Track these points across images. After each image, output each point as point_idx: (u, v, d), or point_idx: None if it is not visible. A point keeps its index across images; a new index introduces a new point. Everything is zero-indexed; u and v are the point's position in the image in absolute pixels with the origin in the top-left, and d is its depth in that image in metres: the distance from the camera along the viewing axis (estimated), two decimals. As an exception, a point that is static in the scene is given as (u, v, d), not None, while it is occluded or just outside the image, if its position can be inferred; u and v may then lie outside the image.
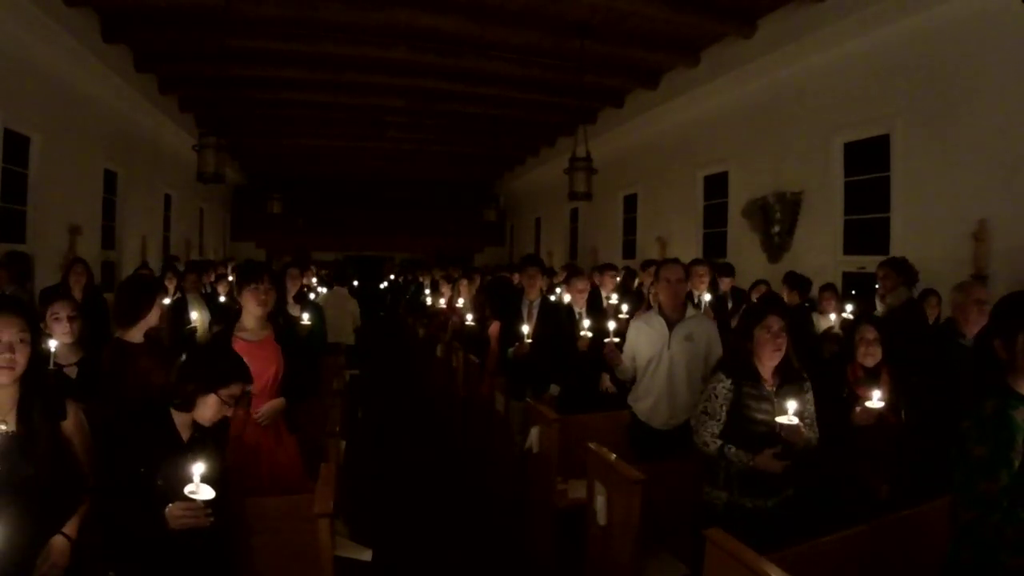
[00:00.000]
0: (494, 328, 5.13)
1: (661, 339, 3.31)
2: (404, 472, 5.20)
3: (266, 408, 2.78)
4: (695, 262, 5.29)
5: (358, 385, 6.05)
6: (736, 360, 2.57)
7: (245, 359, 2.57)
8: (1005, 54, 4.33)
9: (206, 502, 1.81)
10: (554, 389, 4.17)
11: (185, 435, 2.03)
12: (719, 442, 2.48)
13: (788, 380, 2.51)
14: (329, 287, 7.76)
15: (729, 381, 2.52)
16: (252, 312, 2.83)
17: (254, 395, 2.62)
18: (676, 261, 3.54)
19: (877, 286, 4.30)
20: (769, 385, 2.50)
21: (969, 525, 1.69)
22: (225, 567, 2.10)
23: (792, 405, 2.35)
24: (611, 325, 3.58)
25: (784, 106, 6.60)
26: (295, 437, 2.93)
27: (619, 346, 3.52)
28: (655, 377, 3.33)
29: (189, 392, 2.00)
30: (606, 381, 4.24)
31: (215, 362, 2.15)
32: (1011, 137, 4.30)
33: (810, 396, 2.58)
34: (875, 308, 4.31)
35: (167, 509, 1.84)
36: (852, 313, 4.42)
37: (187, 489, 1.80)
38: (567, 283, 5.08)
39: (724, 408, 2.52)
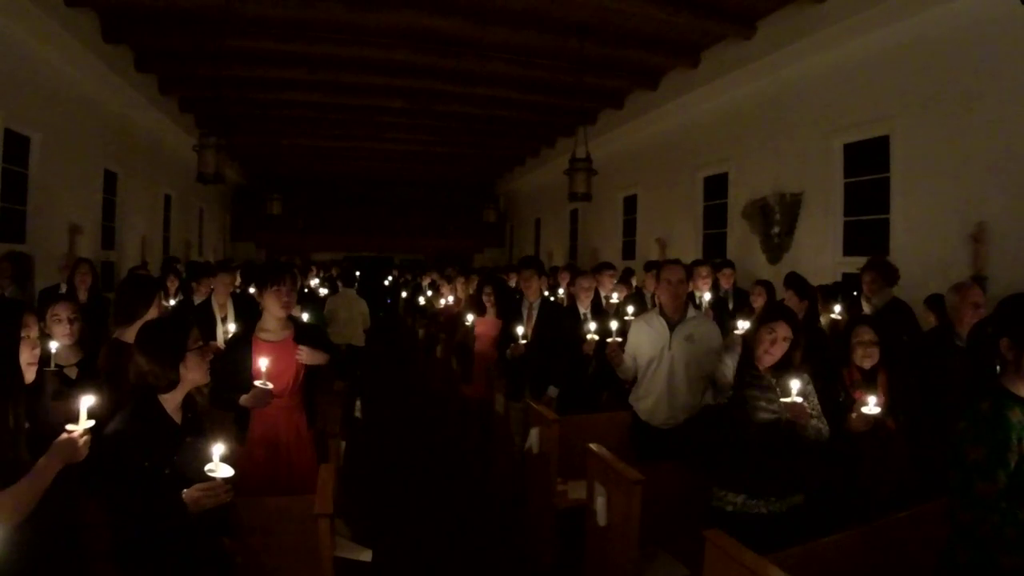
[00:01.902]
0: (481, 326, 5.12)
1: (662, 339, 3.32)
2: (404, 472, 5.20)
3: (309, 351, 2.81)
4: (697, 263, 5.27)
5: (358, 385, 6.05)
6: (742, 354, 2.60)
7: (268, 359, 2.59)
8: (1005, 55, 4.33)
9: (226, 479, 1.83)
10: (552, 391, 4.14)
11: (178, 419, 2.03)
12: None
13: (787, 373, 2.52)
14: (334, 289, 7.76)
15: (733, 364, 2.56)
16: (274, 314, 2.85)
17: (276, 395, 2.65)
18: (677, 262, 3.54)
19: (863, 288, 4.30)
20: (767, 374, 2.52)
21: (967, 526, 1.68)
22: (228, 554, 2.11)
23: (795, 384, 2.37)
24: (613, 324, 3.59)
25: (784, 107, 6.60)
26: (312, 433, 2.95)
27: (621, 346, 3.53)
28: (655, 377, 3.34)
29: (166, 371, 1.98)
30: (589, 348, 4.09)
31: (164, 330, 2.11)
32: (1011, 138, 4.30)
33: (812, 389, 2.59)
34: (861, 309, 4.31)
35: (185, 494, 1.84)
36: (840, 314, 4.40)
37: (207, 468, 1.83)
38: (572, 284, 5.07)
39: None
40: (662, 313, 3.37)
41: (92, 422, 1.76)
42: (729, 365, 2.62)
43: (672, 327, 3.31)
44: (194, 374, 2.03)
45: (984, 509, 1.62)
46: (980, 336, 2.07)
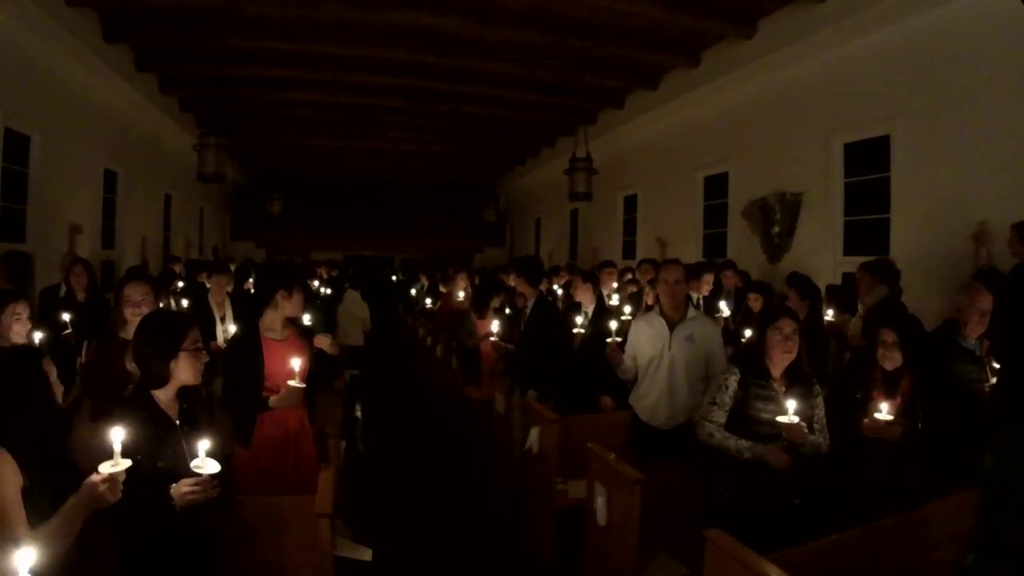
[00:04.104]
0: (485, 327, 5.11)
1: (662, 339, 3.31)
2: (404, 472, 5.20)
3: (331, 340, 2.85)
4: (700, 268, 5.22)
5: (358, 385, 6.04)
6: (748, 357, 2.58)
7: (277, 357, 2.61)
8: (1005, 54, 4.32)
9: (212, 475, 1.83)
10: (531, 394, 4.09)
11: (173, 413, 2.01)
12: (725, 433, 2.52)
13: (797, 383, 2.51)
14: (335, 290, 7.74)
15: (739, 375, 2.53)
16: (292, 314, 2.86)
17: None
18: (676, 262, 3.53)
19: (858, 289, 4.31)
20: (778, 385, 2.50)
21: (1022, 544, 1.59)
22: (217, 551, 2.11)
23: (792, 404, 2.36)
24: (613, 325, 3.58)
25: (784, 106, 6.60)
26: (313, 430, 2.95)
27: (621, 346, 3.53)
28: (656, 377, 3.33)
29: (157, 367, 1.97)
30: (607, 403, 4.08)
31: (163, 323, 2.10)
32: (1011, 137, 4.30)
33: (819, 401, 2.57)
34: (857, 309, 4.32)
35: (172, 488, 1.83)
36: (834, 316, 4.42)
37: (193, 464, 1.83)
38: (569, 284, 5.09)
39: (732, 401, 2.53)
40: (662, 313, 3.37)
41: (128, 462, 1.58)
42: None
43: (672, 327, 3.31)
44: (185, 374, 2.01)
45: None
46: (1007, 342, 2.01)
